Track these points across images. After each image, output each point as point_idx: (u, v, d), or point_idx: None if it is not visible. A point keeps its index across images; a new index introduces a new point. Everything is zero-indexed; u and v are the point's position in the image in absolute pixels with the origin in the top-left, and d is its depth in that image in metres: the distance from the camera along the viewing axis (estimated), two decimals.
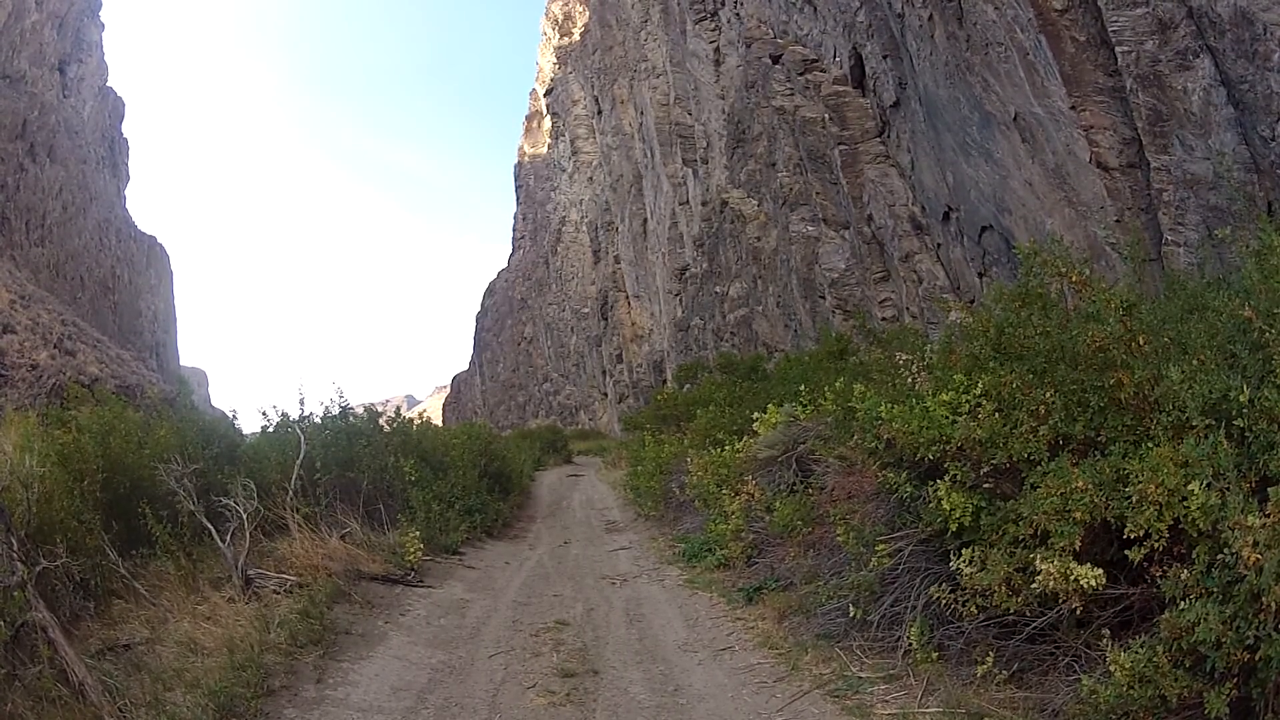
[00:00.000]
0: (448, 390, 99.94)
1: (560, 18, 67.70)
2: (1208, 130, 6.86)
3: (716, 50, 26.36)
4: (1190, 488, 3.08)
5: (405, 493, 8.89)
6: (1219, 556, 2.96)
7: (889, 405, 4.61)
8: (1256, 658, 2.77)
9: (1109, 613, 3.57)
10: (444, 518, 9.02)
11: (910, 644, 4.36)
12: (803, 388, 8.29)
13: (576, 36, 60.90)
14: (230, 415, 9.20)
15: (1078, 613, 3.53)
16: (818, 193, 17.66)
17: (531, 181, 74.41)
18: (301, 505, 7.29)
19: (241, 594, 5.76)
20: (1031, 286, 4.71)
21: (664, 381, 32.29)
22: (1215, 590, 2.93)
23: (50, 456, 5.99)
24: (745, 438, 8.78)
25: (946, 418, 4.26)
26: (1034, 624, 3.81)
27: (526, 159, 76.76)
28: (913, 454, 4.37)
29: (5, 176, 42.62)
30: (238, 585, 5.84)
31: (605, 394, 49.10)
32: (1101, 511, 3.43)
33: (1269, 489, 2.91)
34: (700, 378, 21.16)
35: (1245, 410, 3.14)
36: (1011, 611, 3.73)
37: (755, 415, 8.55)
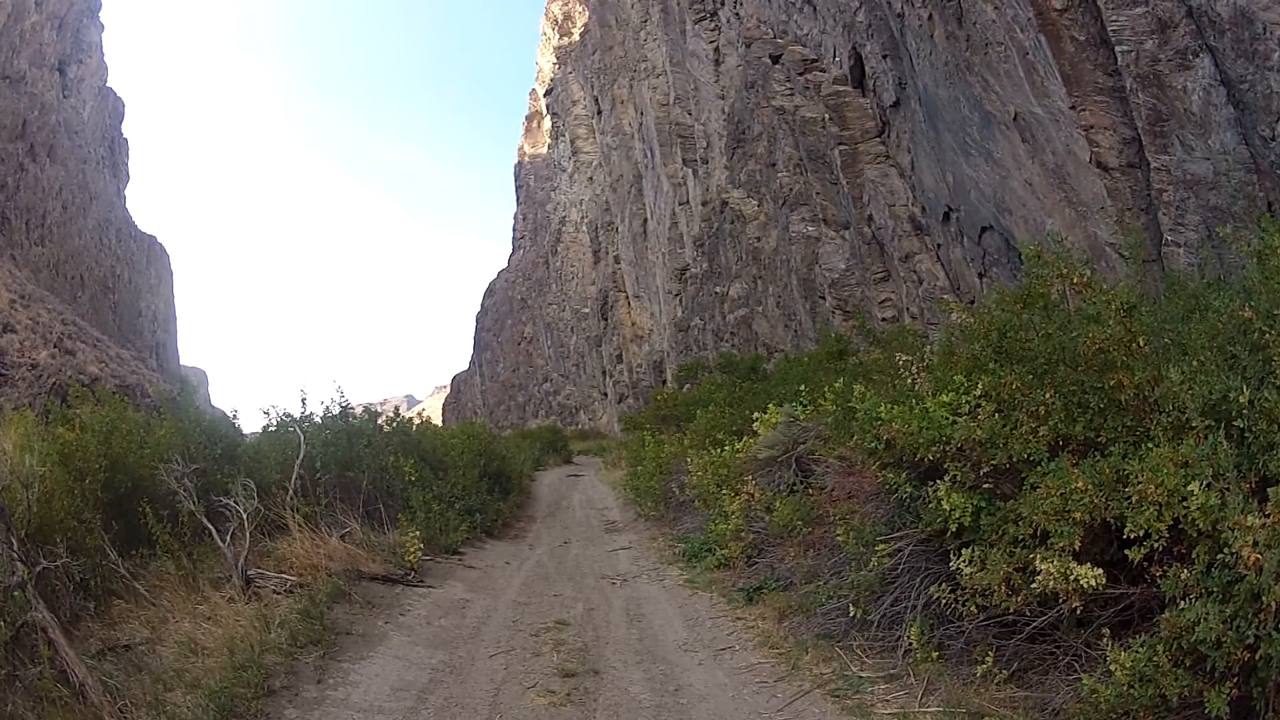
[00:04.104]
0: (447, 390, 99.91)
1: (560, 18, 67.70)
2: (1208, 130, 6.85)
3: (716, 50, 26.35)
4: (1190, 488, 3.08)
5: (405, 493, 8.89)
6: (1219, 556, 2.97)
7: (889, 406, 4.61)
8: (1256, 657, 2.77)
9: (1109, 612, 3.57)
10: (444, 518, 9.02)
11: (910, 643, 4.37)
12: (802, 388, 8.29)
13: (576, 36, 60.90)
14: (231, 415, 9.20)
15: (1078, 612, 3.53)
16: (818, 193, 17.67)
17: (531, 181, 74.40)
18: (301, 505, 7.29)
19: (241, 594, 5.76)
20: (1032, 288, 4.71)
21: (664, 381, 32.29)
22: (1215, 590, 2.93)
23: (51, 456, 5.98)
24: (745, 438, 8.78)
25: (946, 418, 4.26)
26: (1034, 624, 3.82)
27: (526, 159, 76.76)
28: (913, 454, 4.37)
29: (5, 176, 42.63)
30: (238, 585, 5.83)
31: (605, 394, 49.10)
32: (1101, 512, 3.43)
33: (1269, 489, 2.92)
34: (700, 378, 21.17)
35: (1245, 411, 3.14)
36: (1011, 611, 3.74)
37: (755, 415, 8.56)
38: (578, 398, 57.08)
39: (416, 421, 12.58)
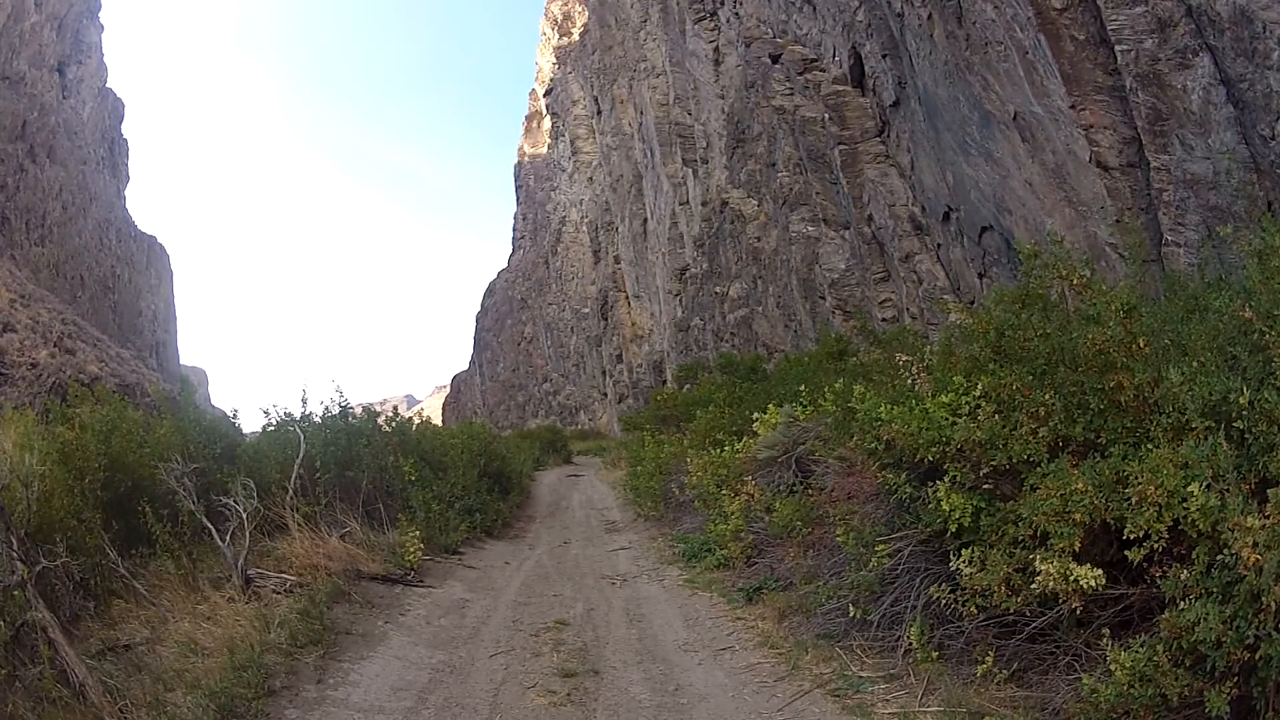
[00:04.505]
0: (447, 390, 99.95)
1: (560, 18, 67.70)
2: (1207, 129, 6.85)
3: (716, 50, 26.34)
4: (1190, 489, 3.08)
5: (405, 492, 8.89)
6: (1219, 557, 2.97)
7: (889, 406, 4.61)
8: (1256, 657, 2.77)
9: (1109, 613, 3.57)
10: (444, 517, 9.02)
11: (910, 644, 4.37)
12: (803, 388, 8.29)
13: (576, 36, 60.91)
14: (231, 415, 9.20)
15: (1078, 613, 3.53)
16: (818, 193, 17.66)
17: (531, 181, 74.41)
18: (301, 505, 7.29)
19: (241, 594, 5.76)
20: (1032, 288, 4.71)
21: (664, 382, 32.28)
22: (1215, 590, 2.93)
23: (51, 455, 5.98)
24: (745, 438, 8.78)
25: (946, 419, 4.26)
26: (1034, 624, 3.81)
27: (526, 159, 76.77)
28: (912, 455, 4.37)
29: (5, 177, 42.64)
30: (238, 585, 5.83)
31: (605, 394, 49.10)
32: (1101, 513, 3.43)
33: (1268, 490, 2.92)
34: (700, 378, 21.16)
35: (1245, 412, 3.14)
36: (1011, 611, 3.74)
37: (755, 416, 8.55)
38: (578, 398, 57.08)
39: (416, 421, 12.58)
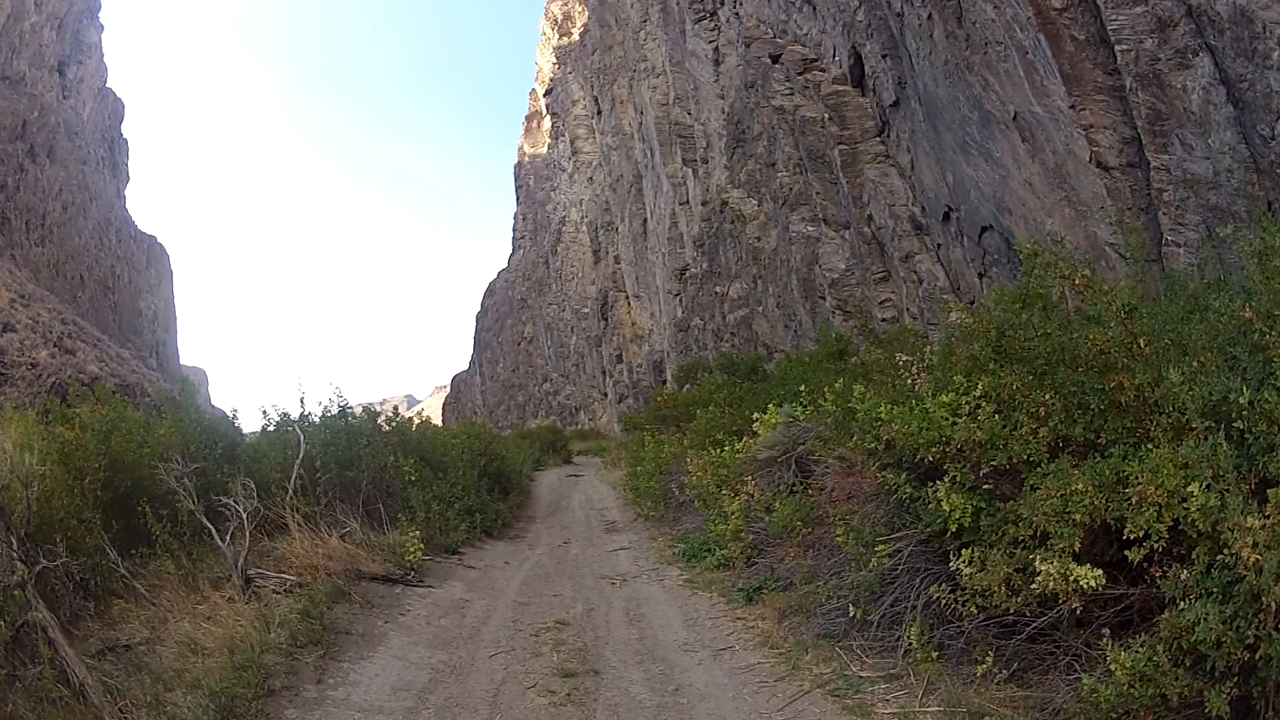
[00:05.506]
0: (447, 390, 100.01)
1: (560, 18, 67.70)
2: (1207, 129, 6.85)
3: (716, 50, 26.34)
4: (1190, 489, 3.08)
5: (405, 492, 8.89)
6: (1219, 557, 2.97)
7: (889, 406, 4.61)
8: (1256, 657, 2.78)
9: (1109, 613, 3.57)
10: (444, 517, 9.02)
11: (910, 644, 4.37)
12: (803, 388, 8.29)
13: (576, 36, 60.93)
14: (231, 415, 9.20)
15: (1078, 613, 3.53)
16: (818, 193, 17.66)
17: (531, 181, 74.42)
18: (301, 505, 7.29)
19: (241, 594, 5.76)
20: (1032, 288, 4.71)
21: (664, 382, 32.28)
22: (1215, 590, 2.93)
23: (51, 455, 5.98)
24: (745, 438, 8.78)
25: (946, 419, 4.26)
26: (1034, 624, 3.82)
27: (526, 159, 76.78)
28: (912, 455, 4.37)
29: (5, 177, 42.65)
30: (238, 585, 5.83)
31: (605, 394, 49.10)
32: (1101, 513, 3.43)
33: (1268, 490, 2.92)
34: (700, 378, 21.16)
35: (1245, 412, 3.14)
36: (1011, 611, 3.74)
37: (755, 416, 8.56)
38: (578, 398, 57.08)
39: (416, 421, 12.59)
